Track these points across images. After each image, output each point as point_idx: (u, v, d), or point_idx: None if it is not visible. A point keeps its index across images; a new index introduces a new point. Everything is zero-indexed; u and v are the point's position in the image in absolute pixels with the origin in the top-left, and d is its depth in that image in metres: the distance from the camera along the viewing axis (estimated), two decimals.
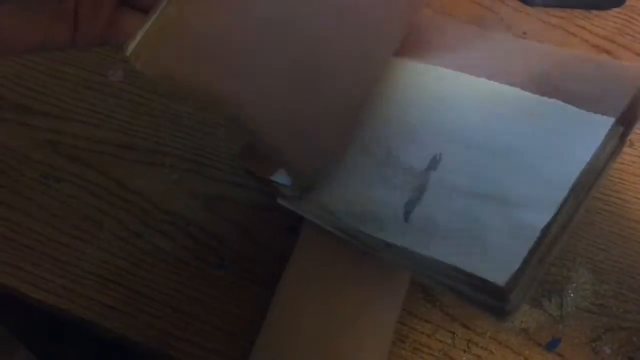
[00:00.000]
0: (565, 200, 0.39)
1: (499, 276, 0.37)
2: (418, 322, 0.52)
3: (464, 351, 0.51)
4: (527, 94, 0.44)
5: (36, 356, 0.70)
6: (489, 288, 0.38)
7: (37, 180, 0.58)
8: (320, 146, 0.44)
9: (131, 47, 0.33)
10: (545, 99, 0.43)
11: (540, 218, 0.39)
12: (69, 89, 0.62)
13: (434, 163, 0.43)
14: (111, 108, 0.61)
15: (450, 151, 0.43)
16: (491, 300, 0.39)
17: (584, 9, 0.64)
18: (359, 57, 0.45)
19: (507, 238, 0.39)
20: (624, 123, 0.42)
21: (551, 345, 0.51)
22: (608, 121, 0.41)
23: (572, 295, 0.53)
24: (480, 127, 0.44)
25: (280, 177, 0.45)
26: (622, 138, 0.43)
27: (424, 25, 0.50)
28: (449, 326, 0.52)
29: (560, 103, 0.43)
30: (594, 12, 0.64)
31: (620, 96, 0.42)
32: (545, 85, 0.44)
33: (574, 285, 0.53)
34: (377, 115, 0.47)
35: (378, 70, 0.47)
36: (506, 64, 0.47)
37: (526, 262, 0.38)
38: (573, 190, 0.40)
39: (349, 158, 0.46)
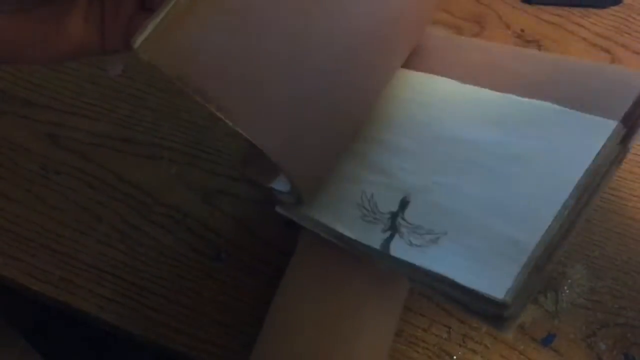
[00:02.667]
0: (566, 207, 0.39)
1: (496, 290, 0.37)
2: (414, 316, 0.53)
3: (460, 345, 0.52)
4: (526, 100, 0.44)
5: (35, 349, 0.70)
6: (489, 298, 0.38)
7: (36, 173, 0.58)
8: (319, 159, 0.44)
9: (139, 39, 0.33)
10: (546, 103, 0.43)
11: (537, 230, 0.38)
12: (69, 83, 0.62)
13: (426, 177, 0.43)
14: (111, 102, 0.61)
15: (450, 165, 0.43)
16: (491, 309, 0.39)
17: (582, 7, 0.64)
18: (363, 73, 0.45)
19: (504, 251, 0.39)
20: (627, 127, 0.41)
21: (546, 341, 0.52)
22: (609, 123, 0.40)
23: (567, 291, 0.53)
24: (481, 138, 0.44)
25: (280, 185, 0.45)
26: (625, 143, 0.42)
27: (424, 39, 0.51)
28: (444, 320, 0.52)
29: (561, 107, 0.43)
30: (592, 10, 0.64)
31: (622, 101, 0.41)
32: (546, 91, 0.44)
33: (569, 281, 0.53)
34: (375, 125, 0.47)
35: (381, 86, 0.48)
36: (505, 74, 0.47)
37: (525, 273, 0.38)
38: (574, 195, 0.39)
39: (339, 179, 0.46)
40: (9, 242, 0.55)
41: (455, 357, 0.51)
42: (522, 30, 0.64)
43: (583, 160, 0.40)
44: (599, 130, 0.41)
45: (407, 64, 0.50)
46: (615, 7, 0.65)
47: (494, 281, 0.38)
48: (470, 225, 0.41)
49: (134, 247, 0.55)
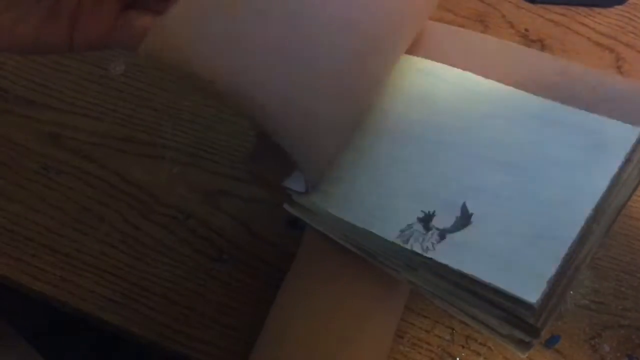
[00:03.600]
0: (592, 224, 0.39)
1: (530, 294, 0.36)
2: (416, 317, 0.52)
3: (463, 347, 0.51)
4: (552, 102, 0.44)
5: (36, 349, 0.70)
6: (520, 323, 0.38)
7: (38, 173, 0.58)
8: (334, 133, 0.44)
9: (146, 42, 0.35)
10: (569, 108, 0.43)
11: (569, 234, 0.38)
12: (71, 82, 0.62)
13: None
14: (112, 101, 0.61)
15: (474, 168, 0.43)
16: (520, 334, 0.39)
17: (586, 7, 0.64)
18: (370, 46, 0.44)
19: (535, 258, 0.38)
20: None
21: (550, 342, 0.51)
22: (635, 130, 0.40)
23: (571, 292, 0.53)
24: (504, 138, 0.43)
25: (292, 183, 0.45)
26: None
27: (434, 31, 0.50)
28: (447, 322, 0.52)
29: (584, 112, 0.42)
30: (596, 9, 0.64)
31: None
32: (566, 96, 0.44)
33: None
34: (399, 118, 0.47)
35: (390, 60, 0.47)
36: (523, 72, 0.46)
37: (558, 294, 0.38)
38: (601, 208, 0.39)
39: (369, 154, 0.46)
40: (10, 242, 0.55)
41: (458, 359, 0.51)
42: (526, 30, 0.63)
43: (608, 171, 0.39)
44: (625, 137, 0.40)
45: (419, 51, 0.49)
46: (620, 7, 0.64)
47: (525, 284, 0.37)
48: (498, 227, 0.40)
49: (135, 247, 0.55)
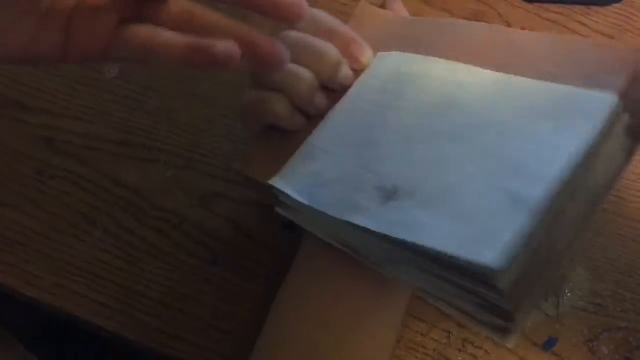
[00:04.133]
0: (565, 203, 0.37)
1: (486, 258, 0.35)
2: (413, 320, 0.52)
3: (460, 350, 0.51)
4: (523, 79, 0.43)
5: (34, 354, 0.70)
6: (495, 308, 0.37)
7: (31, 177, 0.58)
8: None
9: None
10: (542, 83, 0.42)
11: (534, 194, 0.36)
12: (64, 86, 0.62)
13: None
14: (106, 105, 0.61)
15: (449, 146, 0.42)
16: (497, 320, 0.38)
17: (583, 5, 0.63)
18: None
19: (494, 225, 0.36)
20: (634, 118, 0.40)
21: (548, 345, 0.51)
22: (608, 98, 0.39)
23: (569, 294, 0.52)
24: (473, 116, 0.43)
25: (276, 182, 0.44)
26: (634, 136, 0.40)
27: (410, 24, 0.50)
28: (444, 325, 0.52)
29: (557, 85, 0.41)
30: (594, 8, 0.64)
31: (620, 75, 0.40)
32: (541, 71, 0.43)
33: (570, 284, 0.53)
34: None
35: None
36: (496, 53, 0.46)
37: (531, 276, 0.37)
38: (575, 184, 0.37)
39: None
40: (3, 248, 0.55)
41: None
42: (523, 29, 0.63)
43: (578, 138, 0.38)
44: (599, 105, 0.39)
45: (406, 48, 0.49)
46: (617, 5, 0.64)
47: (481, 250, 0.35)
48: (461, 194, 0.39)
49: (130, 252, 0.55)
